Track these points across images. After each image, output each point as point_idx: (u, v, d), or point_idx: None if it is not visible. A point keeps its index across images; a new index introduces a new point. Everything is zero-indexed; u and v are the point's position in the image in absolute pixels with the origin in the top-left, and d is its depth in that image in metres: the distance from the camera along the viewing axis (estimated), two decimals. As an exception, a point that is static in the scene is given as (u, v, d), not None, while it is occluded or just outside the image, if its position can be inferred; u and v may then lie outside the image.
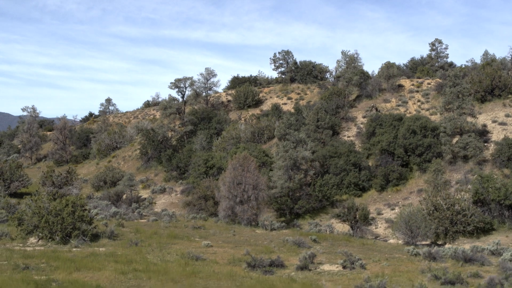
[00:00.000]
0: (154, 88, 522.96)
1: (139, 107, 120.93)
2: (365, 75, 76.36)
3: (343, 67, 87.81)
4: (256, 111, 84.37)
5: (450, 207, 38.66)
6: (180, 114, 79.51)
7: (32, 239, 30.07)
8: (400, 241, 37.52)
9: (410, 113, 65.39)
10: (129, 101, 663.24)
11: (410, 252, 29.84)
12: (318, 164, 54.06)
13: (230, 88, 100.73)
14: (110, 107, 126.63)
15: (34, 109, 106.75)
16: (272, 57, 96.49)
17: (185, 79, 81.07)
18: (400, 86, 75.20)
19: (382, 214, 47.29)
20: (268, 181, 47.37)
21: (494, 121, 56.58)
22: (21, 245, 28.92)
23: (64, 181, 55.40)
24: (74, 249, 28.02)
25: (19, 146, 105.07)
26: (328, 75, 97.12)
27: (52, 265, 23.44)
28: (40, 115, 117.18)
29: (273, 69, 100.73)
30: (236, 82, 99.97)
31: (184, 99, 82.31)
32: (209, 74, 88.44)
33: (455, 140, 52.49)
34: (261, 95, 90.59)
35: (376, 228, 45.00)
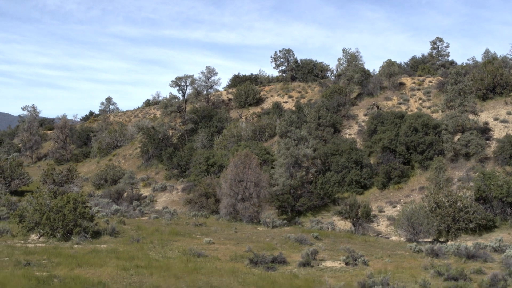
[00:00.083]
0: (154, 88, 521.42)
1: (139, 106, 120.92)
2: (366, 73, 76.22)
3: (344, 65, 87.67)
4: (257, 109, 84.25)
5: (452, 204, 38.55)
6: (181, 112, 79.36)
7: (34, 236, 29.98)
8: (402, 238, 37.43)
9: (411, 111, 65.25)
10: (129, 101, 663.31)
11: (413, 249, 29.74)
12: (320, 161, 53.95)
13: (231, 86, 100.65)
14: (110, 106, 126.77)
15: (34, 108, 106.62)
16: (273, 56, 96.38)
17: (186, 77, 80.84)
18: (402, 84, 75.10)
19: (384, 211, 47.18)
20: (269, 178, 47.26)
21: (495, 119, 56.43)
22: (22, 242, 28.83)
23: (64, 179, 55.32)
24: (76, 245, 27.93)
25: (19, 145, 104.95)
26: (328, 73, 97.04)
27: (53, 262, 23.35)
28: (40, 115, 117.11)
29: (274, 68, 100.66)
30: (237, 80, 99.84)
31: (185, 97, 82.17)
32: (210, 72, 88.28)
33: (457, 137, 52.33)
34: (262, 93, 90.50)
35: (377, 225, 44.87)
